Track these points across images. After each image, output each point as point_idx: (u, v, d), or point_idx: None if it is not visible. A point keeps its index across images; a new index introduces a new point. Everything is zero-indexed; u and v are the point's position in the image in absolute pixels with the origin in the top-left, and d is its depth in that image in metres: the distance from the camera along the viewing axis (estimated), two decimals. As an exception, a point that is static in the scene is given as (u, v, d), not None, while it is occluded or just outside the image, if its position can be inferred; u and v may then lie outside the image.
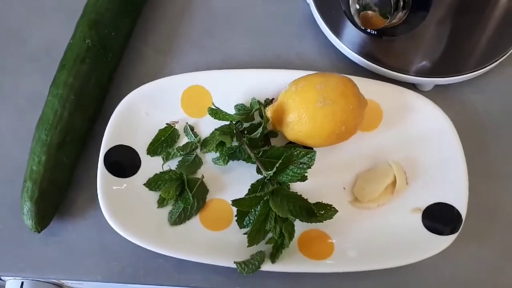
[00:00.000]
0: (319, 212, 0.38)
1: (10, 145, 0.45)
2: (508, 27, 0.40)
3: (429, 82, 0.44)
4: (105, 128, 0.42)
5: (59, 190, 0.41)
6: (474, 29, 0.39)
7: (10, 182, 0.43)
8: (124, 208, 0.40)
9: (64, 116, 0.41)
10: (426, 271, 0.40)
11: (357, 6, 0.38)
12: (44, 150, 0.40)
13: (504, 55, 0.43)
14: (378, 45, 0.43)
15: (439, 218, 0.39)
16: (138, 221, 0.40)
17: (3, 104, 0.47)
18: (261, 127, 0.40)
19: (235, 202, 0.36)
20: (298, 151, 0.37)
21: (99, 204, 0.39)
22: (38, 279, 0.42)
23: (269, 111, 0.41)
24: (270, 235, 0.38)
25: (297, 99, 0.39)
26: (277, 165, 0.37)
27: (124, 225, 0.39)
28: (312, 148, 0.41)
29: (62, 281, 0.44)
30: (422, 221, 0.40)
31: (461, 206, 0.39)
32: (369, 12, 0.37)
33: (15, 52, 0.49)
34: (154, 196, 0.41)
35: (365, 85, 0.41)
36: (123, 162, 0.42)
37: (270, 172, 0.38)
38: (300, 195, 0.38)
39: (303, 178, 0.38)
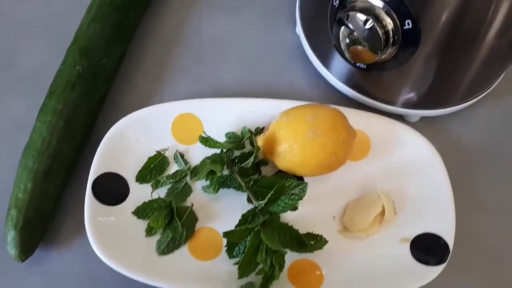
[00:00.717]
0: (310, 242, 0.38)
1: (-6, 171, 0.44)
2: (492, 63, 0.41)
3: (416, 114, 0.45)
4: (94, 155, 0.41)
5: (45, 218, 0.40)
6: (459, 64, 0.40)
7: (-7, 209, 0.42)
8: (112, 237, 0.39)
9: (52, 144, 0.40)
10: (414, 301, 0.40)
11: (347, 41, 0.39)
12: (31, 177, 0.39)
13: (488, 89, 0.45)
14: (367, 78, 0.44)
15: (427, 248, 0.40)
16: (126, 250, 0.39)
17: (-12, 129, 0.46)
18: (252, 157, 0.40)
19: (227, 234, 0.36)
20: (290, 182, 0.37)
21: (85, 232, 0.39)
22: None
23: (260, 140, 0.41)
24: (260, 265, 0.38)
25: (288, 130, 0.39)
26: (268, 196, 0.37)
27: (112, 255, 0.38)
28: (302, 178, 0.42)
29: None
30: (411, 251, 0.40)
31: (448, 237, 0.40)
32: (359, 47, 0.38)
33: (1, 76, 0.48)
34: (142, 224, 0.41)
35: (354, 116, 0.42)
36: (112, 190, 0.41)
37: (261, 202, 0.38)
38: (291, 226, 0.38)
39: (294, 209, 0.38)
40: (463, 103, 0.45)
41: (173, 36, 0.51)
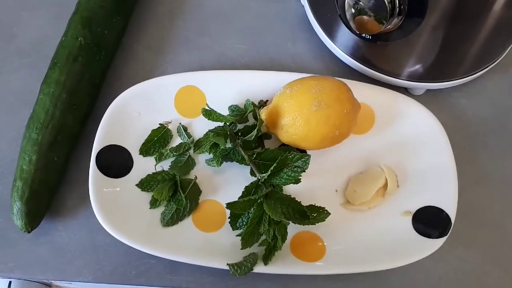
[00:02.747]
0: (312, 214, 0.38)
1: (-1, 143, 0.44)
2: (499, 35, 0.41)
3: (421, 86, 0.45)
4: (97, 128, 0.41)
5: (50, 190, 0.40)
6: (466, 36, 0.39)
7: (-2, 181, 0.42)
8: (116, 208, 0.40)
9: (56, 115, 0.40)
10: (415, 273, 0.41)
11: (353, 11, 0.38)
12: (35, 149, 0.39)
13: (494, 62, 0.44)
14: (372, 49, 0.43)
15: (428, 221, 0.40)
16: (130, 221, 0.39)
17: (-9, 101, 0.46)
18: (255, 130, 0.40)
19: (230, 205, 0.36)
20: (292, 155, 0.37)
21: (90, 204, 0.39)
22: (27, 279, 0.42)
23: (263, 113, 0.41)
24: (263, 237, 0.39)
25: (292, 102, 0.39)
26: (271, 168, 0.37)
27: (116, 226, 0.39)
28: (305, 151, 0.42)
29: (52, 281, 0.43)
30: (412, 224, 0.40)
31: (451, 210, 0.40)
32: (365, 17, 0.37)
33: (3, 48, 0.48)
34: (146, 197, 0.41)
35: (358, 88, 0.41)
36: (115, 162, 0.41)
37: (264, 175, 0.38)
38: (294, 198, 0.38)
39: (297, 181, 0.38)
40: (469, 76, 0.44)
41: (175, 8, 0.50)
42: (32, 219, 0.39)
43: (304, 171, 0.37)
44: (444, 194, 0.41)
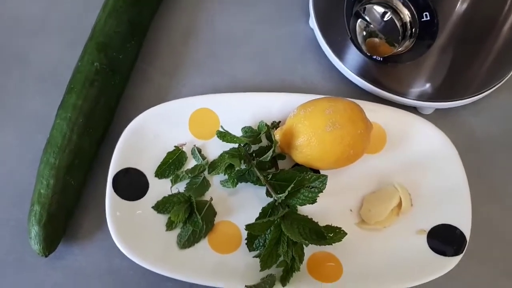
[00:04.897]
0: (329, 235, 0.39)
1: (15, 167, 0.44)
2: (506, 55, 0.42)
3: (431, 106, 0.45)
4: (113, 151, 0.42)
5: (67, 213, 0.41)
6: (474, 57, 0.40)
7: (15, 204, 0.42)
8: (132, 231, 0.40)
9: (73, 139, 0.41)
10: (431, 291, 0.41)
11: (364, 34, 0.39)
12: (53, 173, 0.40)
13: (501, 81, 0.45)
14: (382, 70, 0.44)
15: (443, 239, 0.40)
16: (147, 244, 0.40)
17: (8, 125, 0.46)
18: (271, 150, 0.40)
19: (249, 227, 0.37)
20: (309, 175, 0.38)
21: (106, 227, 0.39)
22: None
23: (277, 134, 0.41)
24: (280, 258, 0.39)
25: (307, 123, 0.39)
26: (289, 189, 0.38)
27: (133, 248, 0.39)
28: (319, 171, 0.42)
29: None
30: (428, 242, 0.40)
31: (465, 227, 0.40)
32: (376, 39, 0.38)
33: (20, 73, 0.49)
34: (162, 219, 0.41)
35: (369, 108, 0.42)
36: (131, 185, 0.42)
37: (281, 195, 0.38)
38: (311, 218, 0.39)
39: (313, 202, 0.38)
40: (478, 94, 0.45)
41: (187, 31, 0.52)
42: (50, 243, 0.39)
43: (322, 191, 0.38)
44: (458, 211, 0.41)
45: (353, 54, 0.44)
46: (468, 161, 0.43)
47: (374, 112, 0.43)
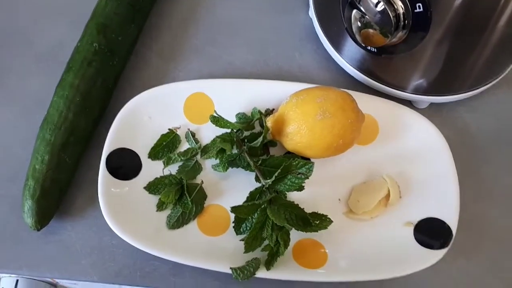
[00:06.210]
0: (315, 222, 0.39)
1: (13, 144, 0.45)
2: (502, 50, 0.41)
3: (425, 100, 0.45)
4: (108, 131, 0.43)
5: (60, 189, 0.42)
6: (470, 51, 0.40)
7: (11, 180, 0.43)
8: (124, 210, 0.41)
9: (69, 117, 0.42)
10: (416, 283, 0.41)
11: (359, 24, 0.39)
12: (48, 149, 0.41)
13: (498, 77, 0.45)
14: (377, 62, 0.44)
15: (430, 232, 0.40)
16: (137, 223, 0.40)
17: (7, 103, 0.47)
18: (261, 137, 0.41)
19: (234, 209, 0.37)
20: (296, 162, 0.38)
21: (99, 204, 0.40)
22: (34, 278, 0.43)
23: (269, 121, 0.42)
24: (266, 242, 0.39)
25: (298, 111, 0.40)
26: (276, 174, 0.38)
27: (123, 227, 0.40)
28: (309, 159, 0.43)
29: (57, 280, 0.44)
30: (414, 235, 0.41)
31: (452, 222, 0.40)
32: (370, 30, 0.39)
33: (21, 53, 0.50)
34: (153, 199, 0.42)
35: (363, 100, 0.42)
36: (125, 165, 0.43)
37: (268, 180, 0.39)
38: (297, 205, 0.39)
39: (300, 188, 0.39)
40: (473, 90, 0.45)
41: (188, 18, 0.52)
42: (42, 218, 0.40)
43: (308, 178, 0.38)
44: (446, 206, 0.41)
45: (349, 45, 0.44)
46: (461, 156, 0.43)
47: (367, 103, 0.43)
